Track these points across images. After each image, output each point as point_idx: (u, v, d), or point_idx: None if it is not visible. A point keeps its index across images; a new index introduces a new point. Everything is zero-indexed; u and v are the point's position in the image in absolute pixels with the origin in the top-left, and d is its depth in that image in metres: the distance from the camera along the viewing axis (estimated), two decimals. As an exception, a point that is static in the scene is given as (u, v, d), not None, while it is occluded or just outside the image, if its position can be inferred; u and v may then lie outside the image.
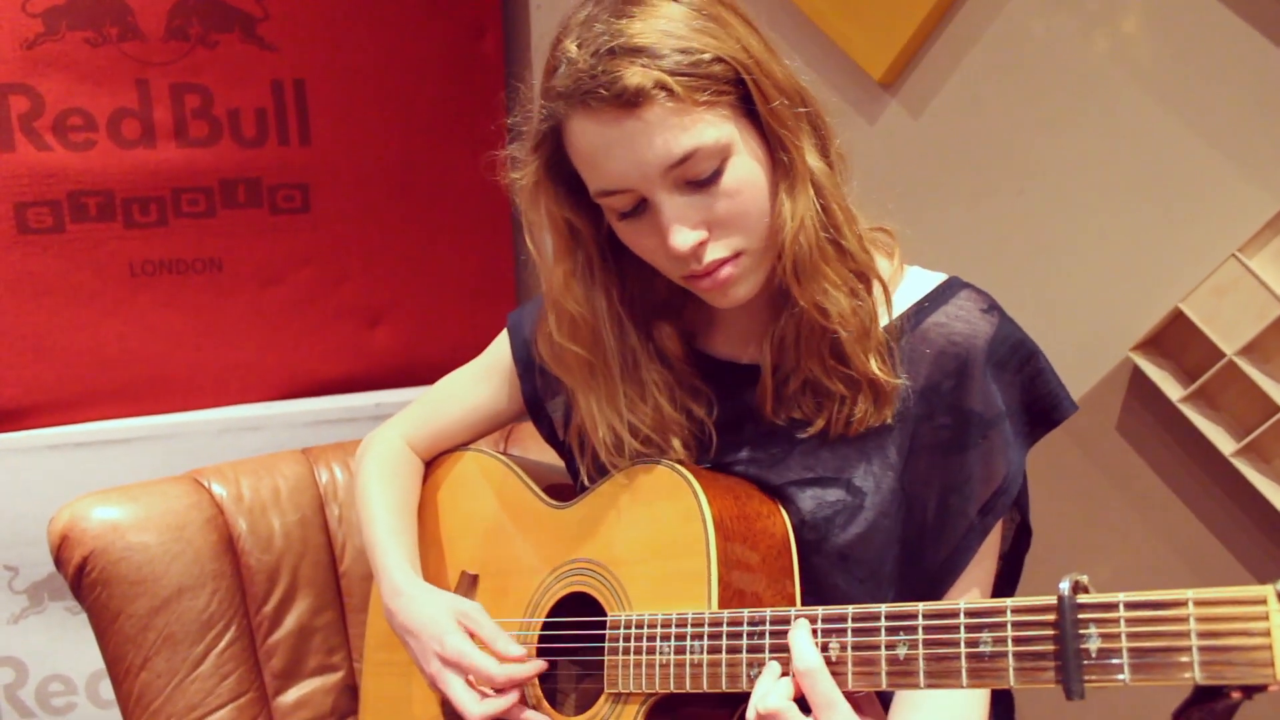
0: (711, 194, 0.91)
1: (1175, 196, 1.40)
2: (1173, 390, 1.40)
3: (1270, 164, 1.31)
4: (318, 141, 2.02)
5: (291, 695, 1.46)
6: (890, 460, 1.01)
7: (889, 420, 1.00)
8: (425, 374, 2.09)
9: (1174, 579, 1.45)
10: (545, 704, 1.07)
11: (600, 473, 1.09)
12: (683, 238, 0.91)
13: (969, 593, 1.01)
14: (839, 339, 0.97)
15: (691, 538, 0.95)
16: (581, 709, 1.04)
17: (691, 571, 0.95)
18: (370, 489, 1.21)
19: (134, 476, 1.52)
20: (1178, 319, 1.38)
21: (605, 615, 1.01)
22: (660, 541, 0.99)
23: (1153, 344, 1.42)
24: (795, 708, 0.84)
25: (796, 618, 0.86)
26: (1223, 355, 1.34)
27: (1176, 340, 1.40)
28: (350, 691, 1.51)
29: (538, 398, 1.20)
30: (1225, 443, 1.36)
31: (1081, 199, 1.49)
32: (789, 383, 1.02)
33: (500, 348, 1.24)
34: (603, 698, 1.00)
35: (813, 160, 0.94)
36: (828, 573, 1.01)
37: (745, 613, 0.90)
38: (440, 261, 2.19)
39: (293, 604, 1.47)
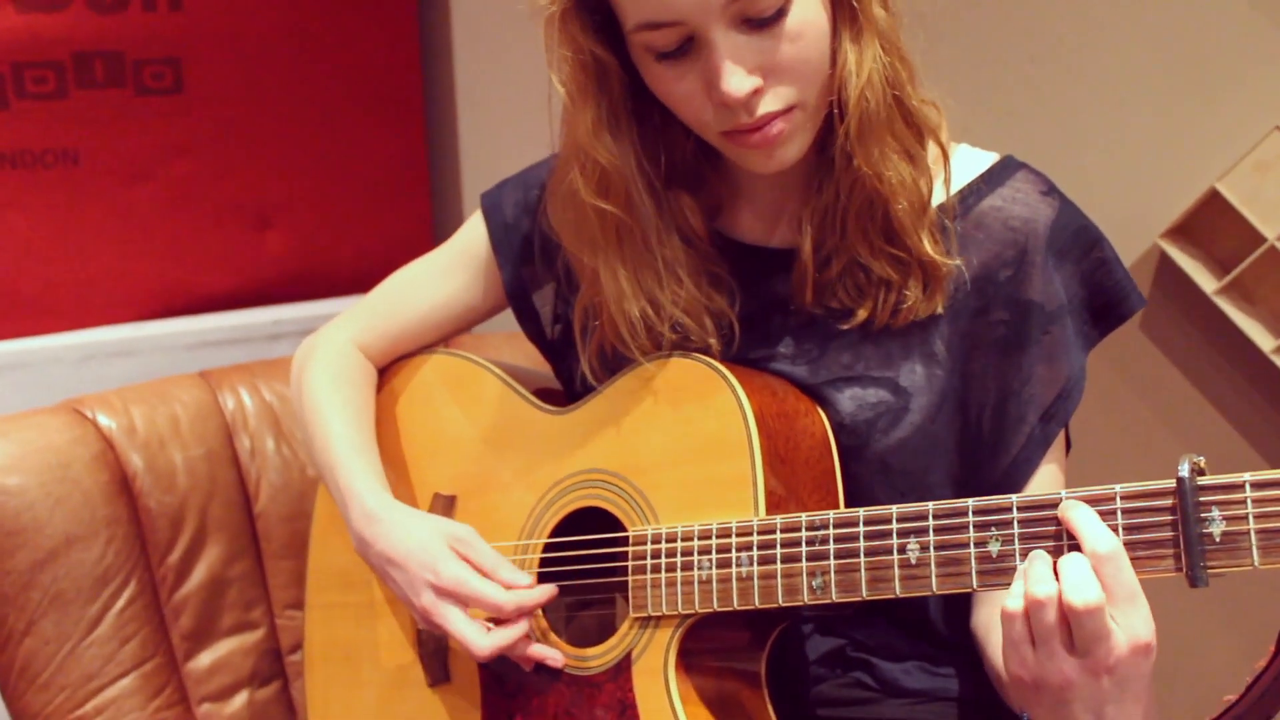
0: (772, 36, 0.93)
1: (1209, 63, 1.43)
2: (1206, 281, 1.44)
3: (1319, 24, 1.35)
4: (190, 6, 1.93)
5: (205, 659, 1.45)
6: (938, 357, 1.03)
7: (939, 310, 1.02)
8: (327, 285, 2.08)
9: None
10: (553, 635, 1.07)
11: (605, 369, 1.08)
12: (737, 80, 0.92)
13: None
14: (892, 213, 0.99)
15: (731, 438, 0.96)
16: (590, 640, 1.04)
17: (732, 476, 0.96)
18: (321, 401, 1.19)
19: (-22, 416, 1.46)
20: (1213, 200, 1.41)
21: (623, 531, 1.02)
22: (692, 444, 0.99)
23: (1183, 230, 1.46)
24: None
25: (1040, 502, 0.83)
26: (1263, 240, 1.38)
27: (1210, 225, 1.44)
28: (273, 653, 1.49)
29: (522, 288, 1.20)
30: (1264, 339, 1.41)
31: (1102, 68, 1.51)
32: (830, 265, 1.03)
33: (472, 233, 1.23)
34: (627, 623, 1.00)
35: (877, 9, 0.97)
36: (866, 482, 1.03)
37: (804, 516, 0.91)
38: (341, 150, 2.12)
39: (201, 552, 1.45)
